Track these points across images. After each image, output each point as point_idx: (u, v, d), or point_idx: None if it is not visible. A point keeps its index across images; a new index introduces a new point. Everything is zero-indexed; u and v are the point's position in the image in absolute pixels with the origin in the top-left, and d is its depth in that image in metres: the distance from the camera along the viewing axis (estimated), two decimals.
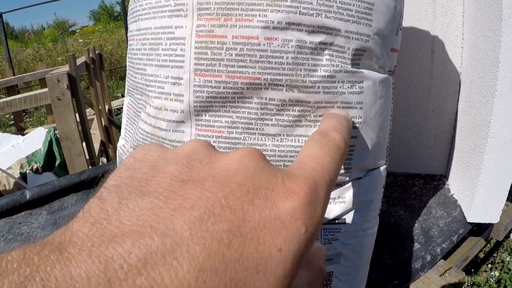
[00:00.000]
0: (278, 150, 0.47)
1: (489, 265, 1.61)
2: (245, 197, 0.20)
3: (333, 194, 0.52)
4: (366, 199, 0.54)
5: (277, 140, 0.46)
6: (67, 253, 0.16)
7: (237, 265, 0.17)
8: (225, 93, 0.45)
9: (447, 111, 0.96)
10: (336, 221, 0.53)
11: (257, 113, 0.45)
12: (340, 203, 0.52)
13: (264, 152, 0.47)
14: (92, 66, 2.55)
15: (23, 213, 1.00)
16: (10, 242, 0.89)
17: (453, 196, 0.94)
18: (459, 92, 0.94)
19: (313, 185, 0.22)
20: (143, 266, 0.16)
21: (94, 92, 2.53)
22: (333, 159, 0.27)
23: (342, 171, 0.50)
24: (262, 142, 0.46)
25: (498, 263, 1.60)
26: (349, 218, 0.53)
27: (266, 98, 0.45)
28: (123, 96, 6.10)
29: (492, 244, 1.66)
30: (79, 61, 2.18)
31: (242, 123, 0.46)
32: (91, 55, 2.55)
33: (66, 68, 1.88)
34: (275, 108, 0.45)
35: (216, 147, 0.47)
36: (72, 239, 0.17)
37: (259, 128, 0.46)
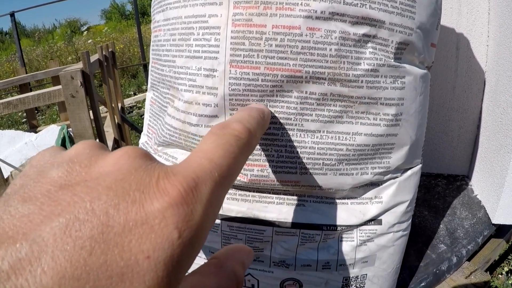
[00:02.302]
0: (318, 148, 0.45)
1: (505, 268, 1.58)
2: (111, 201, 0.19)
3: (370, 194, 0.50)
4: (402, 199, 0.52)
5: (317, 137, 0.44)
6: None
7: (100, 273, 0.17)
8: (264, 86, 0.42)
9: (471, 110, 0.94)
10: (373, 222, 0.51)
11: (296, 107, 0.43)
12: (377, 203, 0.50)
13: (302, 149, 0.45)
14: (105, 63, 2.54)
15: None
16: None
17: (477, 196, 0.92)
18: (483, 91, 0.92)
19: (191, 184, 0.21)
20: (13, 272, 0.16)
21: (107, 89, 2.52)
22: (228, 153, 0.25)
23: (380, 170, 0.48)
24: (300, 138, 0.44)
25: None
26: (385, 219, 0.51)
27: (306, 92, 0.43)
28: (135, 94, 6.10)
29: (507, 246, 1.63)
30: (92, 58, 2.17)
31: (280, 118, 0.44)
32: (104, 53, 2.53)
33: (79, 65, 1.87)
34: (315, 102, 0.43)
35: None
36: None
37: (298, 124, 0.44)
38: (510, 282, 1.51)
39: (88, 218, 0.18)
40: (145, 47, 5.28)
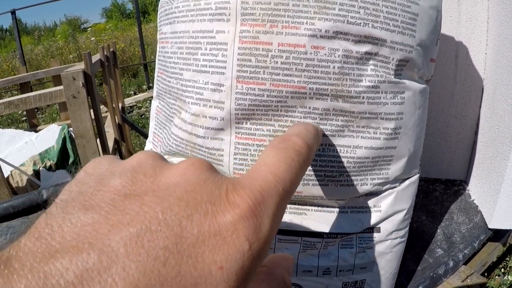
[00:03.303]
0: (320, 160, 0.46)
1: (502, 269, 1.60)
2: (184, 212, 0.19)
3: (369, 203, 0.52)
4: (400, 208, 0.54)
5: (319, 150, 0.46)
6: (12, 267, 0.16)
7: (174, 284, 0.17)
8: (269, 101, 0.44)
9: (469, 117, 0.95)
10: (371, 230, 0.53)
11: (300, 122, 0.45)
12: (376, 212, 0.52)
13: None
14: (107, 63, 2.55)
15: (39, 212, 1.00)
16: None
17: (474, 201, 0.94)
18: (481, 98, 0.94)
19: (259, 197, 0.21)
20: (80, 282, 0.16)
21: (108, 89, 2.53)
22: (290, 167, 0.25)
23: (379, 181, 0.50)
24: None
25: (511, 267, 1.60)
26: (383, 227, 0.53)
27: (310, 107, 0.44)
28: (135, 93, 6.09)
29: (505, 249, 1.65)
30: (94, 58, 2.18)
31: (284, 132, 0.45)
32: (105, 53, 2.54)
33: (81, 65, 1.88)
34: (318, 117, 0.45)
35: (256, 156, 0.47)
36: (18, 254, 0.17)
37: None
38: (507, 277, 1.53)
39: (160, 228, 0.18)
40: (146, 47, 5.28)
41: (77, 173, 0.24)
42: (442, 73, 0.94)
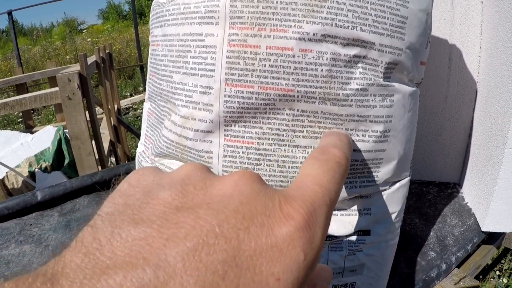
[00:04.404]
0: None
1: (497, 272, 1.60)
2: (241, 224, 0.19)
3: (359, 205, 0.52)
4: (390, 210, 0.54)
5: (308, 152, 0.46)
6: (59, 285, 0.16)
7: None
8: (257, 104, 0.44)
9: (462, 120, 0.95)
10: (361, 232, 0.53)
11: (288, 124, 0.45)
12: (366, 215, 0.52)
13: (294, 164, 0.47)
14: (102, 65, 2.55)
15: (34, 214, 0.99)
16: (21, 244, 0.89)
17: (467, 204, 0.94)
18: (475, 101, 0.94)
19: (311, 208, 0.22)
20: None
21: (103, 91, 2.53)
22: (334, 178, 0.26)
23: (369, 184, 0.50)
24: (292, 154, 0.46)
25: (505, 270, 1.60)
26: (373, 229, 0.53)
27: (298, 110, 0.44)
28: (131, 95, 6.09)
29: (500, 251, 1.66)
30: (89, 60, 2.17)
31: (272, 134, 0.45)
32: (101, 55, 2.54)
33: (77, 67, 1.88)
34: (306, 119, 0.45)
35: (245, 158, 0.46)
36: (65, 270, 0.16)
37: (290, 140, 0.46)
38: (502, 280, 1.53)
39: (218, 241, 0.18)
40: (142, 48, 5.27)
41: (119, 185, 0.23)
42: (435, 76, 0.94)
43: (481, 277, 1.58)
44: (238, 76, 0.44)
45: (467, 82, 0.93)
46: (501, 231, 0.86)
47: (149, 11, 0.60)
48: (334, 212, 0.52)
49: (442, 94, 0.95)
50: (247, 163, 0.47)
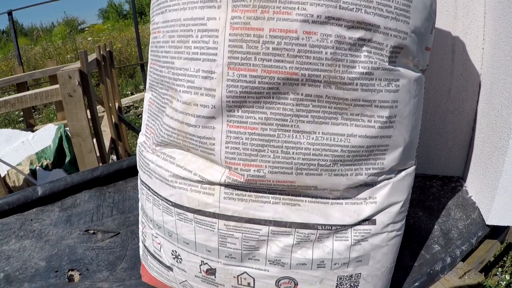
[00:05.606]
0: (313, 149, 0.46)
1: (499, 268, 1.59)
2: None
3: (364, 194, 0.51)
4: (396, 200, 0.53)
5: (312, 138, 0.45)
6: None
7: None
8: (260, 88, 0.43)
9: (466, 112, 0.95)
10: (367, 222, 0.52)
11: (292, 109, 0.44)
12: (372, 204, 0.51)
13: (298, 150, 0.46)
14: (103, 63, 2.55)
15: (34, 209, 0.99)
16: (21, 239, 0.88)
17: (471, 198, 0.93)
18: (478, 93, 0.93)
19: None
20: None
21: (104, 89, 2.52)
22: None
23: (374, 171, 0.49)
24: (296, 139, 0.45)
25: (508, 266, 1.59)
26: (379, 219, 0.52)
27: (302, 94, 0.44)
28: (132, 94, 6.08)
29: (502, 247, 1.64)
30: (90, 58, 2.17)
31: (276, 119, 0.45)
32: (101, 53, 2.54)
33: (77, 64, 1.87)
34: (311, 104, 0.44)
35: (248, 144, 0.46)
36: None
37: (294, 125, 0.45)
38: (505, 276, 1.52)
39: None
40: (142, 47, 5.27)
41: None
42: (438, 68, 0.93)
43: (483, 273, 1.57)
44: (241, 59, 0.43)
45: (470, 74, 0.92)
46: (506, 225, 0.85)
47: (149, 10, 0.59)
48: (339, 201, 0.51)
49: (446, 87, 0.94)
50: (251, 149, 0.46)
